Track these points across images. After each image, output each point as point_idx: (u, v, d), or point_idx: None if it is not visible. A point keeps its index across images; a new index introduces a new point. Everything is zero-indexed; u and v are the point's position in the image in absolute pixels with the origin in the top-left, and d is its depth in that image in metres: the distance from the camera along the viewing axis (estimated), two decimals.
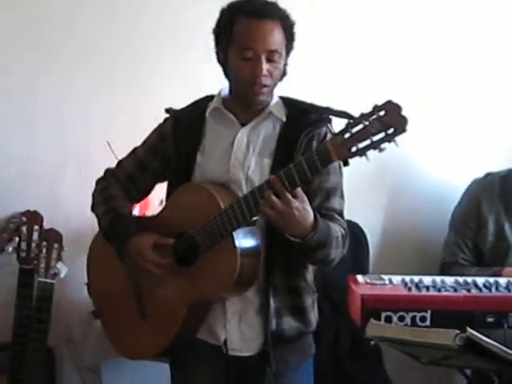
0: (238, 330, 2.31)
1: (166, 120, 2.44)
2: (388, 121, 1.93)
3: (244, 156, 2.29)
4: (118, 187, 2.46)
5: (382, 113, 1.94)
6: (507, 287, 2.70)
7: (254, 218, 2.18)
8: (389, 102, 1.94)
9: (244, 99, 2.30)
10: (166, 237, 2.31)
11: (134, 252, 2.30)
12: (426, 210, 3.67)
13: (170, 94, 3.32)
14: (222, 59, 2.30)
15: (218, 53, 2.32)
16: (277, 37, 2.22)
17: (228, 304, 2.30)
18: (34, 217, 3.09)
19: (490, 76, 3.70)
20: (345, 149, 1.99)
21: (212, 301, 2.30)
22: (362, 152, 1.97)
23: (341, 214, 2.29)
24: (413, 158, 3.60)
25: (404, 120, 1.92)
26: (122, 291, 2.43)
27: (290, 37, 2.28)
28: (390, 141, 1.93)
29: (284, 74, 2.31)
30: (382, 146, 1.94)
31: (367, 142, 1.96)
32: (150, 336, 2.37)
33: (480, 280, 2.73)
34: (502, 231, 3.33)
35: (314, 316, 2.36)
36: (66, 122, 3.37)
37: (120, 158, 2.55)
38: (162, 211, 2.42)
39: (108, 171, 2.52)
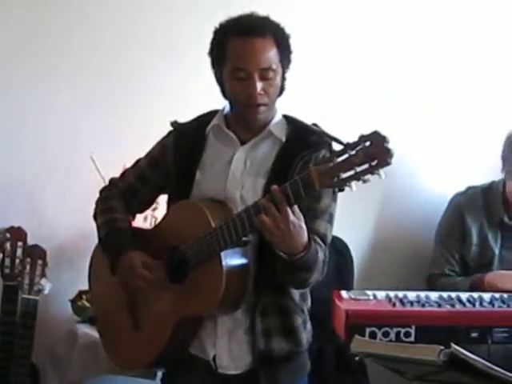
0: (227, 348, 2.30)
1: (169, 133, 2.43)
2: (372, 152, 1.87)
3: (241, 175, 2.28)
4: (118, 199, 2.47)
5: (367, 143, 1.88)
6: (491, 302, 2.71)
7: (245, 239, 2.15)
8: (375, 133, 1.88)
9: (243, 119, 2.29)
10: (160, 250, 2.32)
11: (127, 265, 2.31)
12: (412, 224, 3.67)
13: (157, 109, 3.33)
14: (219, 80, 2.30)
15: (215, 73, 2.31)
16: (269, 54, 2.21)
17: (219, 322, 2.29)
18: (17, 233, 3.07)
19: (472, 92, 3.72)
20: (328, 177, 1.94)
21: (200, 318, 2.30)
22: (344, 182, 1.92)
23: (323, 239, 2.23)
24: (398, 172, 3.60)
25: (388, 152, 1.86)
26: (117, 302, 2.43)
27: (285, 51, 2.25)
28: (373, 173, 1.88)
29: (282, 89, 2.28)
30: (366, 177, 1.89)
31: (351, 173, 1.90)
32: (140, 348, 2.38)
33: (464, 295, 2.74)
34: (486, 240, 3.32)
35: (305, 336, 2.34)
36: (51, 136, 3.36)
37: (103, 173, 2.55)
38: (158, 224, 2.45)
39: (112, 181, 2.53)
